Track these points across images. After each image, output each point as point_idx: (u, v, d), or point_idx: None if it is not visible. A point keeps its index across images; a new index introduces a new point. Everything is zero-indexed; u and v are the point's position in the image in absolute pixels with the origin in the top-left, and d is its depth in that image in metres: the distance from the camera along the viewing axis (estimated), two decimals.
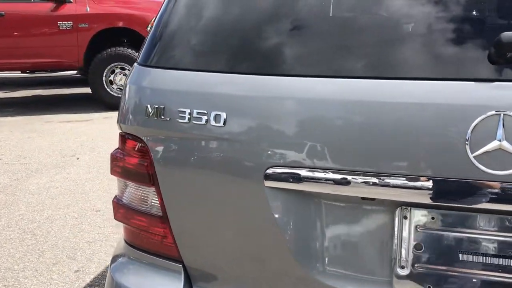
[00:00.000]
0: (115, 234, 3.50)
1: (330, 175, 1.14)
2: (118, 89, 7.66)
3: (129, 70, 7.55)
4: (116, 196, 1.48)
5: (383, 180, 1.10)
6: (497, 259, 1.10)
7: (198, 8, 1.39)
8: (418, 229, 1.14)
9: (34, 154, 5.40)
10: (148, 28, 7.57)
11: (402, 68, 1.14)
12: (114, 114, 7.77)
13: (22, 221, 3.73)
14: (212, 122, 1.23)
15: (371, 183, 1.11)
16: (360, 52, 1.20)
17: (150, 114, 1.31)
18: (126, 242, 1.50)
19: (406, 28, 1.20)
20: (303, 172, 1.16)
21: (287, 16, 1.28)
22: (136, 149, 1.37)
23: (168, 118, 1.28)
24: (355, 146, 1.13)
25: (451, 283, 1.13)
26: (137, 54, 6.90)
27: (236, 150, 1.22)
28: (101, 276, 2.94)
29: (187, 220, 1.33)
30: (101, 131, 6.31)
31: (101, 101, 7.69)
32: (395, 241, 1.15)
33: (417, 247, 1.14)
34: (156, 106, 1.30)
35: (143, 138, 1.35)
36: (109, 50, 7.55)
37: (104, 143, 5.74)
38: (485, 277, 1.11)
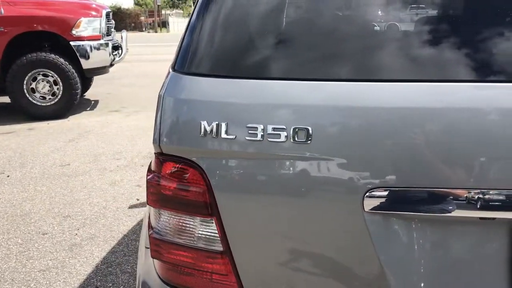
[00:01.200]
0: (71, 259, 3.15)
1: (454, 197, 0.99)
2: (41, 97, 7.07)
3: (52, 76, 7.01)
4: (153, 229, 1.24)
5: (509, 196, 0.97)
6: None
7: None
8: None
9: None
10: (73, 32, 7.05)
11: None
12: (40, 125, 7.04)
13: None
14: (293, 139, 1.04)
15: (499, 201, 0.97)
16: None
17: (208, 132, 1.10)
18: (162, 280, 1.26)
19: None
20: (418, 194, 1.00)
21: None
22: (184, 174, 1.14)
23: (233, 136, 1.08)
24: (479, 158, 0.99)
25: None
26: (61, 59, 6.26)
27: (325, 171, 1.04)
28: None
29: (257, 255, 1.13)
30: (28, 143, 5.74)
31: (23, 111, 7.06)
32: None
33: None
34: (217, 122, 1.09)
35: (195, 160, 1.13)
36: (30, 55, 6.94)
37: (35, 157, 5.21)
38: None
